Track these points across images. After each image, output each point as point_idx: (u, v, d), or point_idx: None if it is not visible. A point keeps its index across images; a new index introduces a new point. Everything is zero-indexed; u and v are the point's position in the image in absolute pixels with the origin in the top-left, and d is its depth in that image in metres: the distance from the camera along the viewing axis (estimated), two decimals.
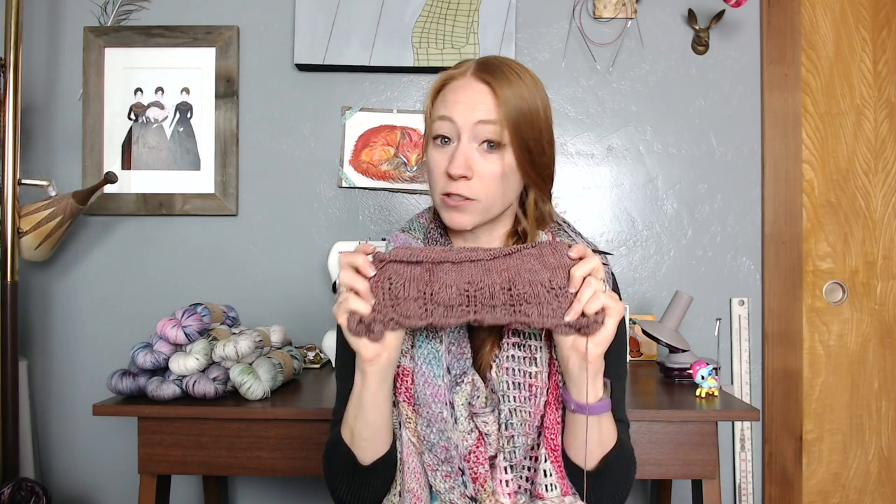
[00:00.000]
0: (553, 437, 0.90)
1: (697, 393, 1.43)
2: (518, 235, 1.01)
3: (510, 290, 0.82)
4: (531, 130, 0.93)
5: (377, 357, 0.84)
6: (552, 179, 1.00)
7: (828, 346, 1.99)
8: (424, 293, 0.82)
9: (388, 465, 0.93)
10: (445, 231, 1.02)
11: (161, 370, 1.41)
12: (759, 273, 1.93)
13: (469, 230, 0.96)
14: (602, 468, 0.90)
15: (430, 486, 0.94)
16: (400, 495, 0.94)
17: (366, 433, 0.90)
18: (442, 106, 0.95)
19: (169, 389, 1.36)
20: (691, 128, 1.93)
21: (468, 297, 0.82)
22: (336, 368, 1.04)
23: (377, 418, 0.89)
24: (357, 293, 0.82)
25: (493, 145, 0.92)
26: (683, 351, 1.58)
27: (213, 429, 1.37)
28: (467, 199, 0.92)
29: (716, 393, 1.43)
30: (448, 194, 0.93)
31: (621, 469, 0.92)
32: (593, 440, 0.89)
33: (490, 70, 0.93)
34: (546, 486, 0.90)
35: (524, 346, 0.92)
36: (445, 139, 0.94)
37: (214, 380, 1.38)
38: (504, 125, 0.91)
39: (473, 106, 0.92)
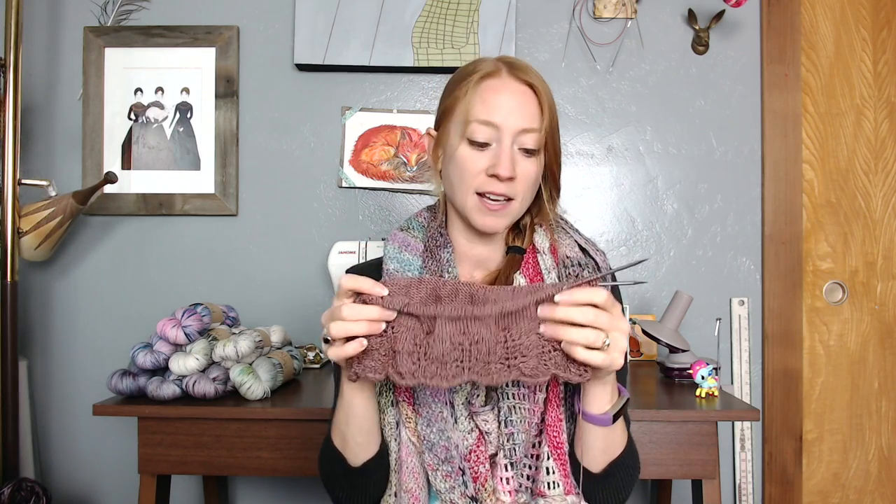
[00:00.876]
0: (556, 434, 0.90)
1: (697, 393, 1.43)
2: (518, 229, 1.02)
3: (506, 342, 0.79)
4: (557, 133, 0.97)
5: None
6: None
7: (828, 346, 1.99)
8: (419, 346, 0.79)
9: (380, 464, 0.94)
10: (446, 230, 1.02)
11: (161, 370, 1.41)
12: (759, 273, 1.93)
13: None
14: (608, 471, 0.91)
15: (429, 486, 0.94)
16: (396, 496, 0.93)
17: (359, 437, 0.91)
18: (482, 108, 0.92)
19: (169, 389, 1.36)
20: (691, 128, 1.93)
21: (462, 350, 0.78)
22: (335, 368, 1.04)
23: (369, 422, 0.91)
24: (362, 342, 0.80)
25: (529, 149, 0.94)
26: (683, 351, 1.58)
27: (213, 429, 1.37)
28: (508, 199, 0.93)
29: (716, 393, 1.43)
30: (483, 194, 0.93)
31: (626, 474, 0.93)
32: (598, 447, 0.89)
33: (525, 72, 0.95)
34: (548, 483, 0.89)
35: None
36: (483, 142, 0.93)
37: (214, 380, 1.38)
38: (545, 133, 0.94)
39: (518, 112, 0.92)
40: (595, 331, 0.77)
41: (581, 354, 0.77)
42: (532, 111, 0.93)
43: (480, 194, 0.93)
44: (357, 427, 0.90)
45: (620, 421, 0.90)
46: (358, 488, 0.95)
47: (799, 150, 1.92)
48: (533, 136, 0.92)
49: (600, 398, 0.86)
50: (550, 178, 0.99)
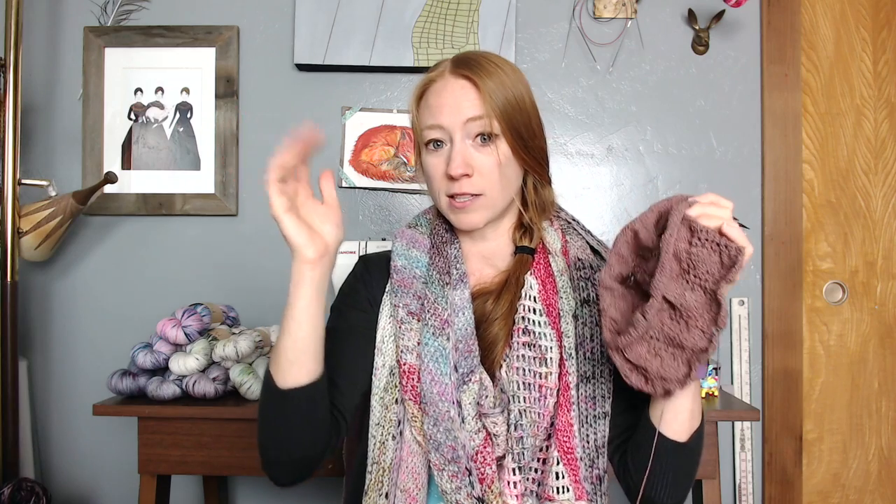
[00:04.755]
0: (566, 439, 0.89)
1: None
2: (525, 227, 1.01)
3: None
4: (520, 116, 0.94)
5: (321, 259, 0.82)
6: (547, 163, 1.01)
7: (828, 346, 1.99)
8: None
9: (308, 397, 0.85)
10: (451, 227, 1.02)
11: (161, 370, 1.41)
12: (759, 273, 1.93)
13: (481, 228, 0.96)
14: (692, 443, 0.88)
15: (428, 488, 0.93)
16: (387, 496, 0.92)
17: (291, 353, 0.83)
18: (427, 114, 0.95)
19: (169, 389, 1.36)
20: (691, 128, 1.93)
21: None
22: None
23: (307, 335, 0.83)
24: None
25: (485, 138, 0.92)
26: None
27: (213, 429, 1.37)
28: (473, 195, 0.92)
29: (716, 393, 1.43)
30: (452, 196, 0.93)
31: (701, 447, 0.90)
32: (687, 409, 0.86)
33: (467, 64, 0.93)
34: (557, 488, 0.88)
35: (534, 346, 0.92)
36: (438, 143, 0.94)
37: (214, 380, 1.38)
38: (493, 116, 0.91)
39: (458, 105, 0.92)
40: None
41: (733, 231, 0.77)
42: (473, 100, 0.92)
43: (450, 196, 0.94)
44: (291, 339, 0.83)
45: (698, 379, 0.87)
46: (279, 419, 0.85)
47: (799, 150, 1.92)
48: (479, 123, 0.91)
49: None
50: (523, 164, 0.96)
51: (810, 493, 1.98)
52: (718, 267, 0.78)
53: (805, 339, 1.97)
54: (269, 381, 0.86)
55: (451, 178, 0.92)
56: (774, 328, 1.91)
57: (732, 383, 1.90)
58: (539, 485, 0.90)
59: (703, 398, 1.42)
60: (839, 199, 1.98)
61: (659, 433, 0.86)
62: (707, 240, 0.78)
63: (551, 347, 0.91)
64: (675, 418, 0.86)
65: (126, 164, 1.91)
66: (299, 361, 0.84)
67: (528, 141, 0.95)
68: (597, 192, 1.94)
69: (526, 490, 0.90)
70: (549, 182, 1.02)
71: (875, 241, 1.99)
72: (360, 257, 1.08)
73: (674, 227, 0.79)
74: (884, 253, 1.99)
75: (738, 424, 1.91)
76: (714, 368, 1.45)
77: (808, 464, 1.97)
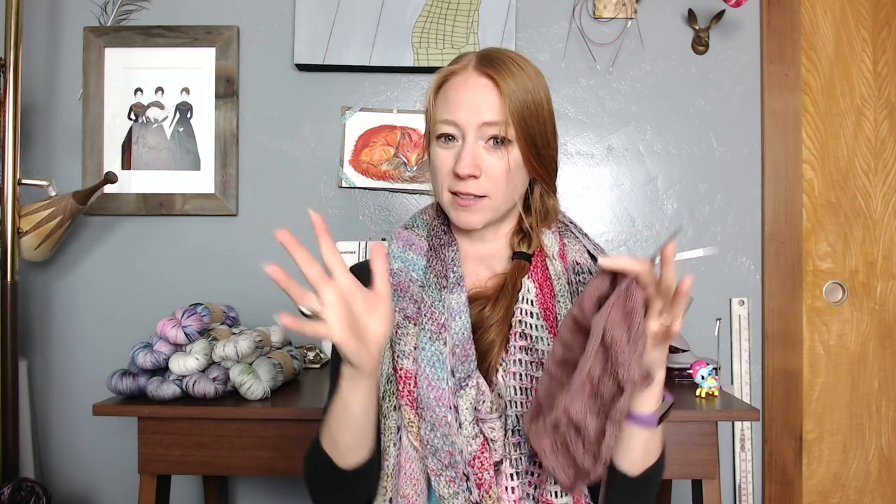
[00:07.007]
0: None
1: (697, 393, 1.43)
2: (524, 233, 0.99)
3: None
4: (536, 123, 0.92)
5: (373, 372, 0.80)
6: (556, 172, 0.99)
7: (828, 346, 1.98)
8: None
9: (371, 468, 0.90)
10: (449, 228, 1.00)
11: (161, 370, 1.41)
12: (759, 273, 1.93)
13: (479, 229, 0.95)
14: (642, 478, 0.88)
15: (428, 492, 0.93)
16: (390, 502, 0.91)
17: (351, 441, 0.86)
18: (444, 107, 0.93)
19: (169, 389, 1.36)
20: (691, 128, 1.93)
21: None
22: (332, 362, 1.03)
23: (363, 423, 0.85)
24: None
25: (498, 141, 0.91)
26: (683, 351, 1.58)
27: (213, 429, 1.37)
28: (477, 197, 0.91)
29: (716, 393, 1.43)
30: (456, 193, 0.92)
31: (658, 477, 0.92)
32: (639, 450, 0.86)
33: (492, 63, 0.91)
34: (556, 492, 0.88)
35: (532, 351, 0.91)
36: (450, 137, 0.92)
37: (214, 380, 1.38)
38: (510, 122, 0.90)
39: (477, 106, 0.90)
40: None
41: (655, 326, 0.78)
42: (492, 103, 0.89)
43: (454, 193, 0.92)
44: (350, 430, 0.85)
45: (661, 426, 0.87)
46: (342, 490, 0.91)
47: (799, 150, 1.92)
48: (494, 128, 0.90)
49: (649, 396, 0.83)
50: (532, 171, 0.95)
51: (810, 493, 1.97)
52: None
53: (805, 339, 1.97)
54: (330, 463, 0.88)
55: (458, 177, 0.90)
56: (774, 328, 1.91)
57: (732, 383, 1.90)
58: (537, 488, 0.89)
59: (703, 398, 1.41)
60: (839, 199, 1.98)
61: (613, 464, 0.88)
62: (613, 374, 0.74)
63: (549, 352, 0.90)
64: (627, 455, 0.86)
65: (126, 164, 1.91)
66: (358, 443, 0.86)
67: (540, 149, 0.93)
68: (597, 192, 1.94)
69: (524, 494, 0.89)
70: (555, 192, 1.00)
71: (875, 241, 1.99)
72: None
73: (589, 350, 0.75)
74: (884, 253, 1.99)
75: (738, 424, 1.91)
76: (714, 368, 1.45)
77: (808, 464, 1.97)
